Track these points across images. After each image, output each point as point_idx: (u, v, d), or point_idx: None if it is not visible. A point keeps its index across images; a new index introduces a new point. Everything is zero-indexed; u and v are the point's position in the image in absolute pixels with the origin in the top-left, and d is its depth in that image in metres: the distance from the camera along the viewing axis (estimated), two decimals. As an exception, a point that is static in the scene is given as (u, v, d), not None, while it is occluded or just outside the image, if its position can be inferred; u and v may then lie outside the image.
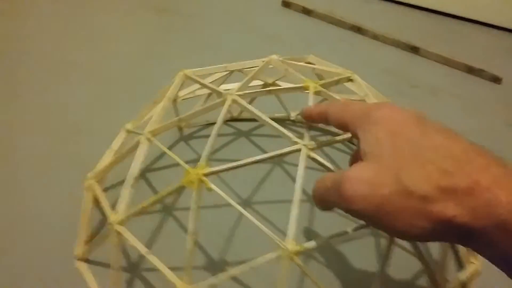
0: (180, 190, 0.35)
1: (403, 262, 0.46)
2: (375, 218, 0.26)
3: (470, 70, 0.84)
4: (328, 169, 0.37)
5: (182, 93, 0.54)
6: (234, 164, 0.35)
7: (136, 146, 0.40)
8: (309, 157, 0.36)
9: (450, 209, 0.24)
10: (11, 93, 0.64)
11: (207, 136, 0.37)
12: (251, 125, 0.63)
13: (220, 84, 0.56)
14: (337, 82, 0.45)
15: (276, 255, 0.32)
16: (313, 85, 0.41)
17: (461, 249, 0.48)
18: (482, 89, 0.81)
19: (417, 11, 1.06)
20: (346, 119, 0.31)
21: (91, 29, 0.81)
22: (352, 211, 0.27)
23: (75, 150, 0.55)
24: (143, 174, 0.53)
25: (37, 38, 0.77)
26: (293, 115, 0.64)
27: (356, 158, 0.32)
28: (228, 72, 0.53)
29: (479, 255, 0.42)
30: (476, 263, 0.41)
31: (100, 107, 0.63)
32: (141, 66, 0.73)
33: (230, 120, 0.63)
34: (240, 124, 0.63)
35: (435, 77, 0.83)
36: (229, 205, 0.33)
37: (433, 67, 0.86)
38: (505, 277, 0.50)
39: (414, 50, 0.89)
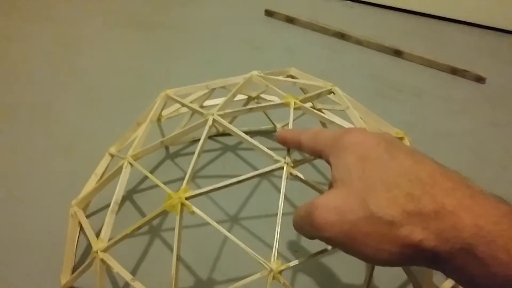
0: (164, 213, 0.35)
1: (389, 272, 0.46)
2: (345, 245, 0.27)
3: (454, 71, 0.85)
4: (310, 186, 0.37)
5: (166, 112, 0.54)
6: (216, 186, 0.35)
7: (119, 170, 0.40)
8: (291, 174, 0.36)
9: (416, 233, 0.24)
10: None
11: (193, 153, 0.37)
12: (237, 139, 0.63)
13: (204, 101, 0.56)
14: (318, 96, 0.45)
15: (261, 275, 0.32)
16: (293, 101, 0.41)
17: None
18: (466, 90, 0.82)
19: (399, 14, 1.06)
20: (319, 146, 0.31)
21: (74, 49, 0.81)
22: (324, 239, 0.28)
23: (59, 174, 0.55)
24: (129, 196, 0.53)
25: (20, 58, 0.77)
26: (278, 126, 0.64)
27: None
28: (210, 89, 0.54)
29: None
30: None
31: (85, 127, 0.63)
32: (126, 83, 0.73)
33: (216, 135, 0.63)
34: (227, 139, 0.63)
35: (419, 80, 0.83)
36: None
37: (417, 70, 0.86)
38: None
39: (398, 53, 0.89)
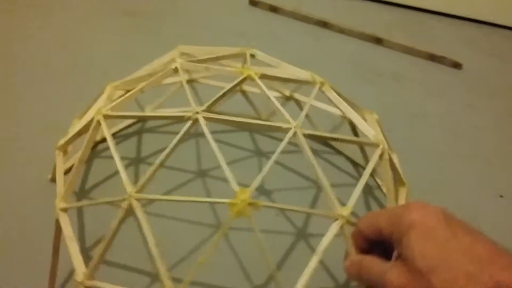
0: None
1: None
2: None
3: (432, 57, 0.87)
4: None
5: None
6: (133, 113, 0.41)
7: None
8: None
9: None
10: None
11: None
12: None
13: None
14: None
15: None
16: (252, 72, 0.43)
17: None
18: (444, 75, 0.84)
19: (380, 5, 1.08)
20: (381, 224, 0.33)
21: (62, 34, 0.82)
22: None
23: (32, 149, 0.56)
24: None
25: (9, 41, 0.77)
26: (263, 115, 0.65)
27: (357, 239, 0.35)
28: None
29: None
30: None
31: (71, 108, 0.64)
32: (113, 68, 0.74)
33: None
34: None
35: (398, 65, 0.85)
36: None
37: (397, 56, 0.88)
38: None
39: (378, 41, 0.91)
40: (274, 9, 1.00)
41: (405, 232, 0.31)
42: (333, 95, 0.47)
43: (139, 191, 0.35)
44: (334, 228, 0.35)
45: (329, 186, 0.37)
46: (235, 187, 0.34)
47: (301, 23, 0.98)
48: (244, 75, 0.43)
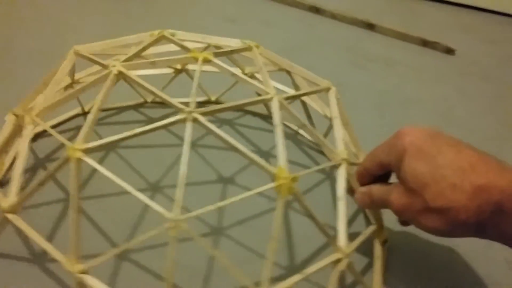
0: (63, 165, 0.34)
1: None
2: (412, 222, 0.37)
3: (425, 43, 0.84)
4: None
5: (84, 73, 0.51)
6: (116, 137, 0.34)
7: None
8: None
9: (461, 214, 0.32)
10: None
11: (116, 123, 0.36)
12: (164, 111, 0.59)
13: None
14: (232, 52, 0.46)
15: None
16: (202, 56, 0.41)
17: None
18: (436, 60, 0.81)
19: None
20: (380, 157, 0.38)
21: (49, 16, 0.80)
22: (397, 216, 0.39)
23: None
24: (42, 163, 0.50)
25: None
26: (213, 98, 0.62)
27: (362, 175, 0.41)
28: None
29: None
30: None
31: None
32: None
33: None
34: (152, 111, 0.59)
35: (391, 51, 0.83)
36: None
37: (389, 42, 0.85)
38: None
39: (371, 27, 0.88)
40: (265, -5, 0.97)
41: (401, 157, 0.35)
42: (272, 55, 0.47)
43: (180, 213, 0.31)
44: (342, 172, 0.38)
45: (324, 138, 0.41)
46: (271, 169, 0.33)
47: (294, 9, 0.95)
48: (201, 58, 0.41)
